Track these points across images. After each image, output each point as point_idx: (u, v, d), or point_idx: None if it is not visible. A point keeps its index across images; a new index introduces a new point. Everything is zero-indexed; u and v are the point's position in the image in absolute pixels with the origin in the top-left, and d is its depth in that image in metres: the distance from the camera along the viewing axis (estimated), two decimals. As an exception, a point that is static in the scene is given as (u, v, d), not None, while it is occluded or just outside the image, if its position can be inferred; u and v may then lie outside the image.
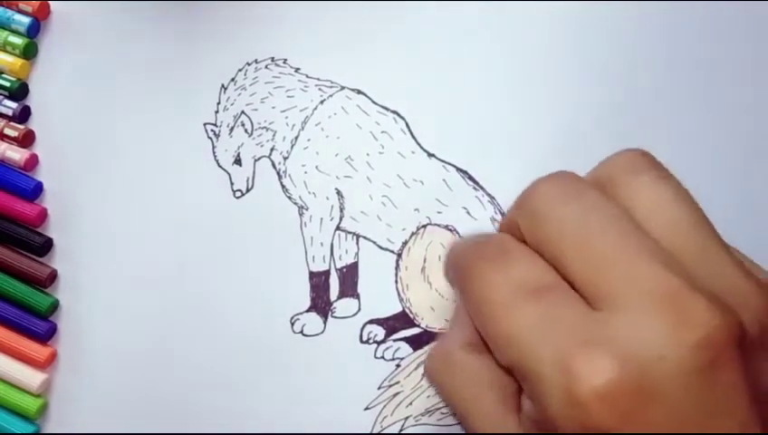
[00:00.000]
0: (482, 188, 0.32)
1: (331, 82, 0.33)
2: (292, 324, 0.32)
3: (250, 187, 0.33)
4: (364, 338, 0.32)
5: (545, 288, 0.24)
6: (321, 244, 0.32)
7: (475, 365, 0.27)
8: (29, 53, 0.34)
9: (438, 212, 0.32)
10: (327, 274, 0.32)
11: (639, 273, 0.23)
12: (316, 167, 0.33)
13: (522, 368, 0.23)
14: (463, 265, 0.26)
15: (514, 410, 0.26)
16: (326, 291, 0.32)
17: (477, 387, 0.26)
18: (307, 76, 0.33)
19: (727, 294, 0.23)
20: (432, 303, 0.32)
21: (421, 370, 0.32)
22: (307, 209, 0.33)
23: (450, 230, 0.32)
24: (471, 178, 0.32)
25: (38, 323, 0.33)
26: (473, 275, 0.25)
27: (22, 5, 0.34)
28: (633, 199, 0.25)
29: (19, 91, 0.34)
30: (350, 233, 0.33)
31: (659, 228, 0.24)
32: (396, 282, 0.32)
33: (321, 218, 0.32)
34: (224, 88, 0.33)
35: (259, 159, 0.33)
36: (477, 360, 0.27)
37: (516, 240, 0.26)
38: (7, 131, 0.34)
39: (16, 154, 0.34)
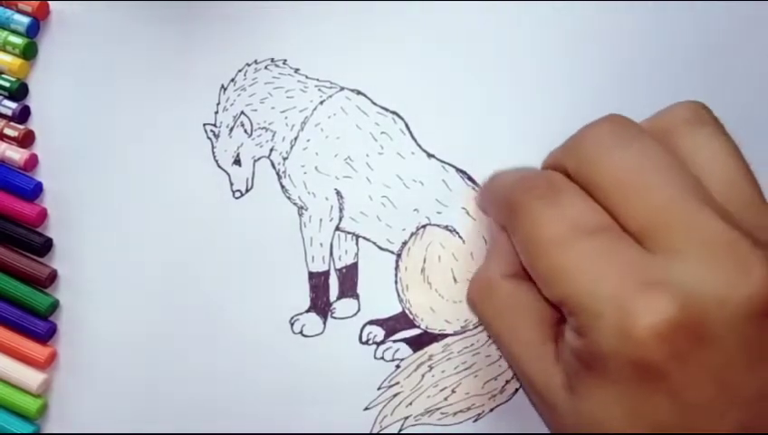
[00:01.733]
0: (482, 188, 0.32)
1: (331, 83, 0.33)
2: (292, 325, 0.32)
3: (249, 187, 0.33)
4: (364, 339, 0.32)
5: (600, 228, 0.24)
6: (321, 244, 0.32)
7: (515, 293, 0.28)
8: (29, 53, 0.34)
9: (438, 212, 0.32)
10: (326, 274, 0.32)
11: (700, 222, 0.23)
12: (315, 167, 0.33)
13: (574, 303, 0.24)
14: (511, 199, 0.27)
15: (552, 339, 0.26)
16: (326, 291, 0.32)
17: (517, 314, 0.27)
18: (306, 77, 0.33)
19: None
20: (432, 303, 0.32)
21: (421, 370, 0.32)
22: (306, 210, 0.33)
23: (450, 231, 0.32)
24: (471, 178, 0.32)
25: (38, 323, 0.33)
26: (523, 211, 0.26)
27: (21, 5, 0.34)
28: (691, 149, 0.26)
29: (19, 92, 0.34)
30: (349, 233, 0.33)
31: (714, 180, 0.25)
32: (395, 282, 0.32)
33: (321, 219, 0.32)
34: (223, 88, 0.33)
35: (258, 159, 0.33)
36: (518, 288, 0.28)
37: (567, 179, 0.26)
38: (7, 131, 0.34)
39: (16, 154, 0.34)
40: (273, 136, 0.33)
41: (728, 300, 0.23)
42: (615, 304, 0.23)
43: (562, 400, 0.25)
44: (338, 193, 0.33)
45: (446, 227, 0.32)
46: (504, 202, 0.27)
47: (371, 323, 0.32)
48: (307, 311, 0.32)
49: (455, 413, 0.32)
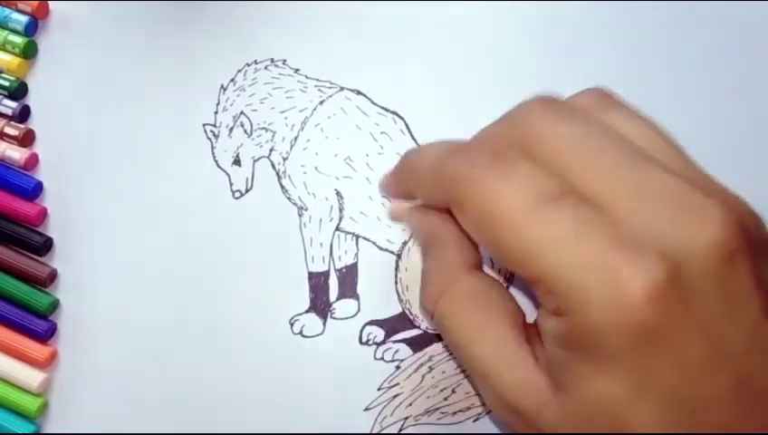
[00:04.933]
0: (482, 188, 0.32)
1: (331, 83, 0.33)
2: (292, 325, 0.32)
3: (249, 187, 0.33)
4: (364, 339, 0.32)
5: (563, 193, 0.23)
6: (321, 244, 0.32)
7: (481, 288, 0.26)
8: (29, 52, 0.34)
9: (438, 212, 0.32)
10: (326, 274, 0.32)
11: (649, 180, 0.23)
12: (315, 167, 0.33)
13: (553, 278, 0.22)
14: (453, 174, 0.24)
15: (528, 341, 0.25)
16: (325, 292, 0.32)
17: (486, 313, 0.25)
18: (306, 77, 0.33)
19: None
20: (432, 304, 0.32)
21: (421, 371, 0.32)
22: (306, 210, 0.32)
23: (450, 231, 0.32)
24: (471, 178, 0.32)
25: (38, 323, 0.33)
26: (474, 185, 0.24)
27: (21, 5, 0.34)
28: (617, 125, 0.25)
29: (18, 91, 0.34)
30: (349, 233, 0.32)
31: (647, 149, 0.24)
32: (395, 283, 0.32)
33: (321, 219, 0.32)
34: (223, 89, 0.33)
35: (258, 159, 0.33)
36: (482, 282, 0.26)
37: (511, 148, 0.24)
38: (7, 131, 0.34)
39: (16, 153, 0.34)
40: (273, 136, 0.33)
41: (696, 250, 0.22)
42: (599, 272, 0.21)
43: (546, 405, 0.24)
44: (338, 193, 0.32)
45: (447, 228, 0.32)
46: (443, 179, 0.25)
47: (371, 323, 0.32)
48: (307, 311, 0.32)
49: (454, 413, 0.32)
